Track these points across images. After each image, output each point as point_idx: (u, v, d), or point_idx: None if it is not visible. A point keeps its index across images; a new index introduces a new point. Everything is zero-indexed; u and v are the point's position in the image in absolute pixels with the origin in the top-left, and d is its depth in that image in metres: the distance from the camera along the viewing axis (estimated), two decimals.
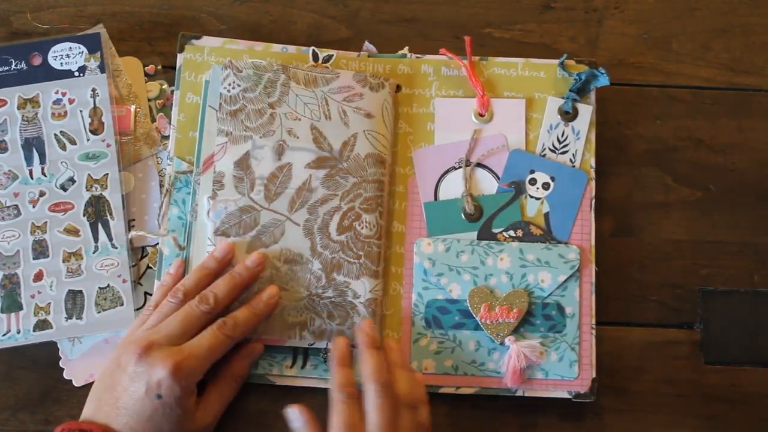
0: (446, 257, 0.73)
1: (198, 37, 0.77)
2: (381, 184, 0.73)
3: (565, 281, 0.73)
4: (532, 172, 0.75)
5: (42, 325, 0.72)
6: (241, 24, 0.81)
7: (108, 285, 0.73)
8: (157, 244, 0.74)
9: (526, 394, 0.72)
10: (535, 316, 0.72)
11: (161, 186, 0.76)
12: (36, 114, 0.75)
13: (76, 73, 0.76)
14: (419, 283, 0.73)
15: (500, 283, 0.72)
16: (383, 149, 0.74)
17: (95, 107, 0.76)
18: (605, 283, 0.75)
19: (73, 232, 0.74)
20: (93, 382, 0.67)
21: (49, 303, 0.72)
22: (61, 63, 0.76)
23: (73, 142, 0.75)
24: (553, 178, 0.75)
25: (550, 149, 0.76)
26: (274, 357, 0.72)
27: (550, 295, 0.73)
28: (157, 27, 0.80)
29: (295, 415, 0.65)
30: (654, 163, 0.79)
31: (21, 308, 0.72)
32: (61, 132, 0.75)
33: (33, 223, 0.73)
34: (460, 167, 0.75)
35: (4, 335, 0.71)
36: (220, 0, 0.81)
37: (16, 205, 0.74)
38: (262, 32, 0.80)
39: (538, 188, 0.75)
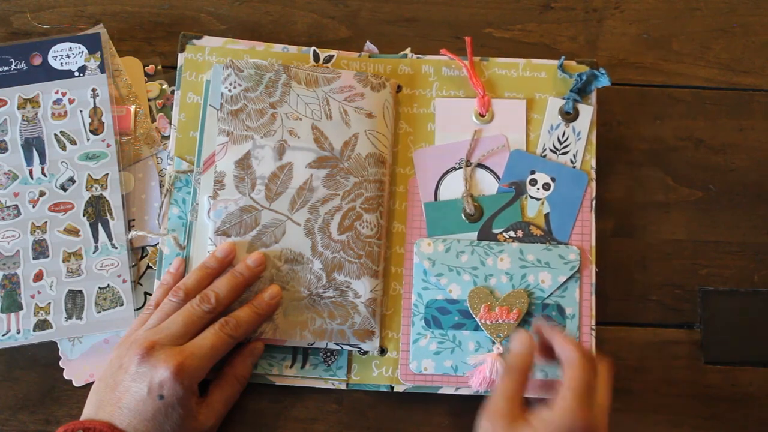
0: (446, 257, 0.73)
1: (199, 37, 0.77)
2: (382, 184, 0.73)
3: (565, 282, 0.72)
4: (533, 172, 0.75)
5: (42, 325, 0.72)
6: (241, 24, 0.81)
7: (108, 285, 0.73)
8: (157, 243, 0.74)
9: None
10: (535, 316, 0.72)
11: (161, 186, 0.75)
12: (36, 114, 0.75)
13: (76, 73, 0.76)
14: (419, 283, 0.73)
15: (500, 284, 0.72)
16: (384, 149, 0.74)
17: (95, 107, 0.76)
18: (605, 283, 0.75)
19: (73, 232, 0.73)
20: (93, 382, 0.66)
21: (49, 303, 0.72)
22: (61, 63, 0.76)
23: (73, 142, 0.75)
24: (553, 179, 0.75)
25: (550, 150, 0.76)
26: (273, 357, 0.72)
27: (550, 295, 0.72)
28: (157, 27, 0.80)
29: (521, 337, 0.64)
30: (654, 163, 0.79)
31: (21, 308, 0.72)
32: (61, 132, 0.75)
33: (33, 223, 0.73)
34: (460, 167, 0.75)
35: (4, 335, 0.71)
36: (220, 0, 0.81)
37: (16, 205, 0.74)
38: (262, 32, 0.80)
39: (538, 189, 0.75)
